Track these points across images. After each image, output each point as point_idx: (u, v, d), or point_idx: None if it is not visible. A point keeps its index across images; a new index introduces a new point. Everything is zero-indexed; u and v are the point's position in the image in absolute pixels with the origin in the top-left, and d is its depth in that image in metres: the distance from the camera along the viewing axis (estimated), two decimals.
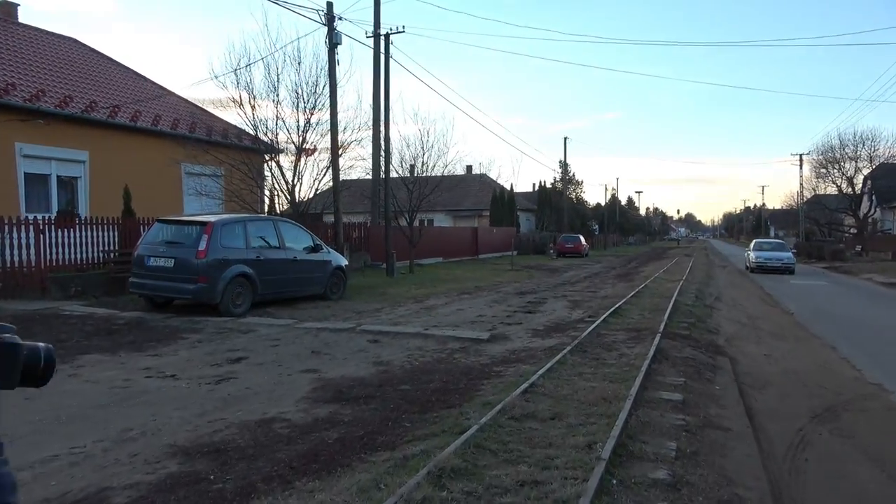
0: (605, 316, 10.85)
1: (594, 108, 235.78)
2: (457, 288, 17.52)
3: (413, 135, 21.04)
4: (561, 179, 65.10)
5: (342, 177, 21.38)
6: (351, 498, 3.42)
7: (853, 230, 52.10)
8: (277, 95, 15.44)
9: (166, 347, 8.21)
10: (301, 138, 15.80)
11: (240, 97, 15.26)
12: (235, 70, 15.44)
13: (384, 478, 3.69)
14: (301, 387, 6.24)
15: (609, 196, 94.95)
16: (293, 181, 15.59)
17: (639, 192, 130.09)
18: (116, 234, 15.13)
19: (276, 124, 15.64)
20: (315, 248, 12.83)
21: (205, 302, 10.61)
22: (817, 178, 54.68)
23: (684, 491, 3.76)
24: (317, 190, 16.19)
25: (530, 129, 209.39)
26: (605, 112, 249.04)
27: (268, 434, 4.77)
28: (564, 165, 65.32)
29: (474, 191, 56.46)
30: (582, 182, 72.21)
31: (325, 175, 16.37)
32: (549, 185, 64.57)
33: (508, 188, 52.44)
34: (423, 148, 22.38)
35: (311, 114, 15.95)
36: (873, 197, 50.69)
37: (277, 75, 15.36)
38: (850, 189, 51.27)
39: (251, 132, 15.70)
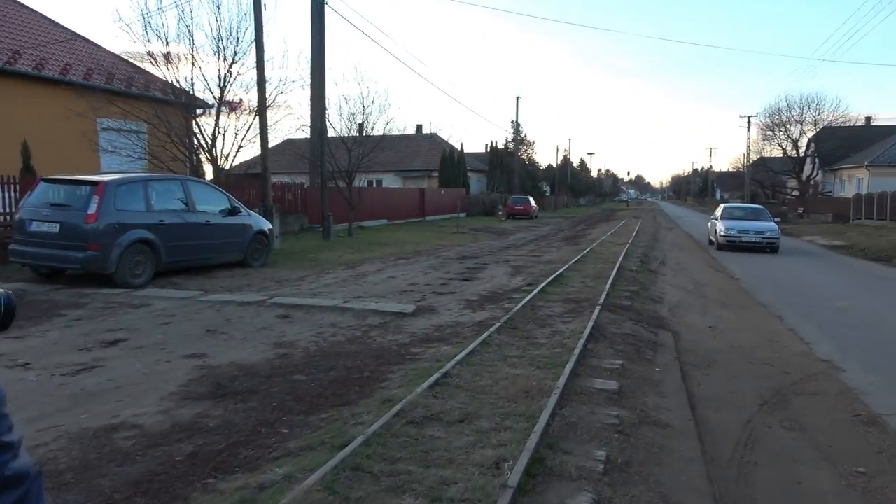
0: (544, 284, 10.11)
1: (548, 66, 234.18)
2: (395, 252, 16.58)
3: (354, 92, 19.81)
4: (513, 140, 64.21)
5: (279, 135, 20.02)
6: None
7: (796, 192, 53.19)
8: (193, 41, 13.87)
9: (36, 327, 7.06)
10: (221, 90, 14.32)
11: (150, 46, 13.60)
12: (144, 14, 13.75)
13: None
14: (176, 378, 5.25)
15: (561, 157, 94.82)
16: (212, 138, 14.16)
17: (591, 154, 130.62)
18: (16, 194, 13.55)
19: (192, 74, 14.08)
20: (232, 211, 11.64)
21: (97, 272, 9.38)
22: (764, 140, 55.42)
23: None
24: (240, 146, 14.81)
25: (484, 90, 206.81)
26: (559, 71, 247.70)
27: (103, 448, 3.79)
28: (516, 126, 64.47)
29: (424, 150, 55.14)
30: (534, 143, 71.73)
31: (249, 132, 14.97)
32: (500, 146, 63.67)
33: (458, 148, 51.35)
34: (363, 105, 21.06)
35: (233, 63, 14.45)
36: (816, 160, 51.64)
37: (191, 18, 13.74)
38: (794, 152, 52.09)
39: (171, 84, 14.12)
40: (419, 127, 61.76)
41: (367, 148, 20.99)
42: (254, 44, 14.91)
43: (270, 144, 16.23)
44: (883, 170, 40.52)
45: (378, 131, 21.89)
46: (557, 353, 5.67)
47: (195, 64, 13.91)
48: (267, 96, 15.57)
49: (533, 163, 73.96)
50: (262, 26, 15.09)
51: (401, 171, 52.98)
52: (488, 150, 63.50)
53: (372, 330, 7.08)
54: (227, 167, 15.09)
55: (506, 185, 57.36)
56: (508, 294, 9.72)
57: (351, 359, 5.81)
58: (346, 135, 21.67)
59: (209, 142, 14.02)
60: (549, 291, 9.49)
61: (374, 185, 50.03)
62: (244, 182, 20.03)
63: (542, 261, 15.13)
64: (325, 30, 20.66)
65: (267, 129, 15.73)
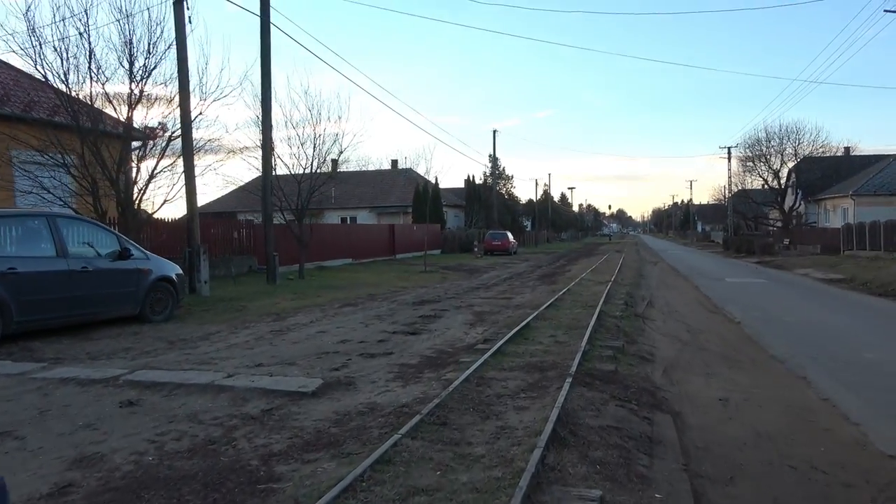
0: (506, 339, 7.99)
1: (527, 106, 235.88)
2: (344, 297, 14.41)
3: (306, 122, 17.94)
4: (490, 174, 62.70)
5: (237, 177, 17.92)
6: None
7: (779, 223, 51.97)
8: (91, 57, 11.75)
9: None
10: (130, 113, 12.21)
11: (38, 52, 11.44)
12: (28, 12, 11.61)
13: None
14: None
15: (541, 192, 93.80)
16: (116, 168, 11.96)
17: (571, 189, 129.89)
18: None
19: (92, 91, 11.93)
20: (122, 254, 9.43)
21: None
22: (744, 171, 54.39)
23: None
24: (151, 177, 12.63)
25: (463, 128, 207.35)
26: (537, 111, 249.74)
27: None
28: (494, 160, 63.03)
29: (399, 186, 53.42)
30: (512, 177, 70.13)
31: (162, 161, 12.81)
32: (479, 181, 62.15)
33: (434, 182, 49.62)
34: (313, 136, 19.04)
35: (144, 79, 12.38)
36: (798, 190, 50.58)
37: (87, 26, 11.65)
38: (775, 182, 51.03)
39: (67, 104, 11.97)
40: (394, 162, 60.19)
41: (318, 182, 18.92)
42: (172, 48, 12.90)
43: (242, 180, 14.15)
44: (868, 199, 39.31)
45: (342, 164, 19.76)
46: (496, 481, 3.50)
47: (95, 80, 11.80)
48: (194, 120, 13.50)
49: (512, 197, 72.43)
50: (185, 42, 13.13)
51: (375, 208, 51.09)
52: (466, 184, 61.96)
53: (243, 425, 4.89)
54: (142, 204, 12.89)
55: (484, 220, 55.63)
56: (458, 355, 7.57)
57: (166, 494, 3.60)
58: (305, 170, 19.58)
59: (112, 172, 11.83)
60: (508, 352, 7.35)
61: (349, 221, 48.19)
62: (205, 222, 17.95)
63: (512, 304, 13.03)
64: (270, 49, 18.79)
65: (192, 158, 13.64)
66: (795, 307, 13.75)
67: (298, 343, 8.55)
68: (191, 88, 13.48)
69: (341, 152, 18.96)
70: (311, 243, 24.07)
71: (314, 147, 18.69)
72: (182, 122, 13.33)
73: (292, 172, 18.56)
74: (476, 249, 37.22)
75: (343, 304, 13.26)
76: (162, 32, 12.72)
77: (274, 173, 18.38)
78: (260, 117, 16.70)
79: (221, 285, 15.74)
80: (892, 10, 18.84)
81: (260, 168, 18.57)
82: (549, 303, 12.29)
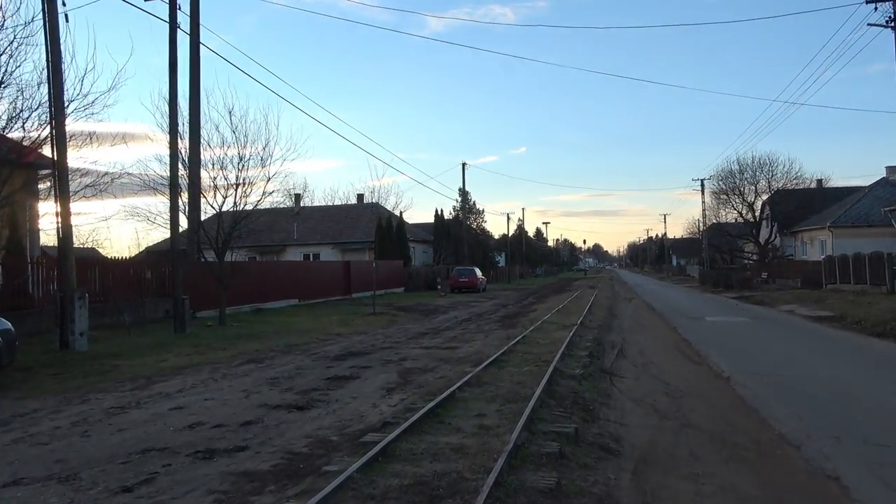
0: (412, 421, 5.62)
1: (504, 143, 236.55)
2: (254, 350, 11.95)
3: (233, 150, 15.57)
4: (461, 208, 60.77)
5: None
6: None
7: (755, 256, 50.61)
8: None
9: None
10: None
11: None
12: None
13: None
14: None
15: (515, 227, 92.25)
16: None
17: (546, 223, 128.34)
18: None
19: None
20: None
21: None
22: (718, 204, 53.21)
23: None
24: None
25: (442, 164, 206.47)
26: (514, 147, 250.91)
27: None
28: (464, 193, 61.31)
29: (365, 221, 51.10)
30: (483, 211, 68.17)
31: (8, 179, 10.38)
32: (450, 215, 60.19)
33: (398, 216, 47.43)
34: (239, 160, 16.70)
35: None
36: (773, 223, 49.38)
37: None
38: (750, 215, 49.83)
39: None
40: (360, 197, 57.94)
41: (239, 216, 16.52)
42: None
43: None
44: (846, 230, 38.04)
45: (257, 193, 17.41)
46: None
47: None
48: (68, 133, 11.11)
49: (484, 232, 70.45)
50: (57, 33, 10.85)
51: (339, 244, 48.69)
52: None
53: None
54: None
55: (454, 256, 53.40)
56: (334, 454, 5.18)
57: None
58: (227, 198, 17.18)
59: None
60: (400, 453, 4.94)
61: (311, 258, 45.59)
62: (155, 261, 15.45)
63: (454, 358, 10.67)
64: (200, 51, 16.65)
65: (68, 185, 11.22)
66: (792, 355, 11.58)
67: (126, 430, 6.08)
68: (66, 99, 11.14)
69: (269, 179, 16.57)
70: (251, 283, 21.63)
71: (237, 173, 16.33)
72: (54, 139, 10.94)
73: (210, 202, 16.16)
74: (440, 287, 34.86)
75: (247, 360, 10.80)
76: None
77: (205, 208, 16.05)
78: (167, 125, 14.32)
79: (114, 336, 13.16)
80: (877, 24, 17.35)
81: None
82: (496, 356, 9.94)
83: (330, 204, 63.10)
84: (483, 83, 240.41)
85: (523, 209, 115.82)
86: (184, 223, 16.35)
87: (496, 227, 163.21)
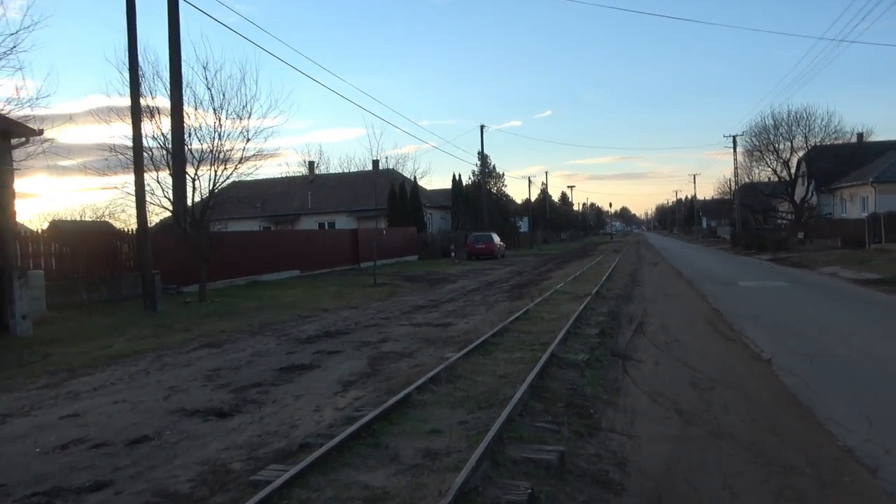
0: (337, 442, 4.11)
1: (528, 108, 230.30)
2: (221, 331, 10.58)
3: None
4: (480, 173, 58.65)
5: None
6: None
7: (790, 216, 47.90)
8: None
9: None
10: None
11: None
12: None
13: None
14: None
15: (539, 192, 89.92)
16: None
17: (571, 187, 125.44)
18: None
19: None
20: None
21: None
22: (751, 162, 50.36)
23: None
24: None
25: (461, 131, 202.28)
26: (538, 111, 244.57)
27: None
28: (483, 157, 59.03)
29: (380, 188, 49.49)
30: (503, 175, 65.91)
31: None
32: (468, 181, 58.26)
33: (413, 181, 45.72)
34: (218, 122, 15.12)
35: None
36: (809, 180, 46.49)
37: None
38: (785, 173, 46.98)
39: None
40: (375, 163, 56.27)
41: (222, 178, 15.04)
42: None
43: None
44: (891, 186, 35.32)
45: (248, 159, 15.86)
46: None
47: None
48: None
49: (504, 197, 68.36)
50: None
51: (354, 212, 47.28)
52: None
53: None
54: None
55: (473, 221, 51.60)
56: (224, 493, 3.71)
57: None
58: (203, 160, 15.68)
59: None
60: (302, 500, 3.42)
61: (326, 226, 44.27)
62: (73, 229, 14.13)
63: (441, 338, 9.13)
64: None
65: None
66: (843, 328, 9.78)
67: (9, 443, 4.70)
68: None
69: (248, 140, 14.96)
70: (248, 255, 20.33)
71: (216, 135, 14.79)
72: None
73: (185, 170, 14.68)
74: (453, 255, 33.25)
75: (204, 343, 9.40)
76: None
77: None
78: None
79: (75, 317, 11.91)
80: None
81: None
82: (486, 336, 8.35)
83: (346, 171, 61.69)
84: (504, 46, 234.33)
85: (546, 172, 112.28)
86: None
87: (520, 192, 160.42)
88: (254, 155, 15.01)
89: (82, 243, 14.59)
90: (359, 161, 65.12)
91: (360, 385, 6.46)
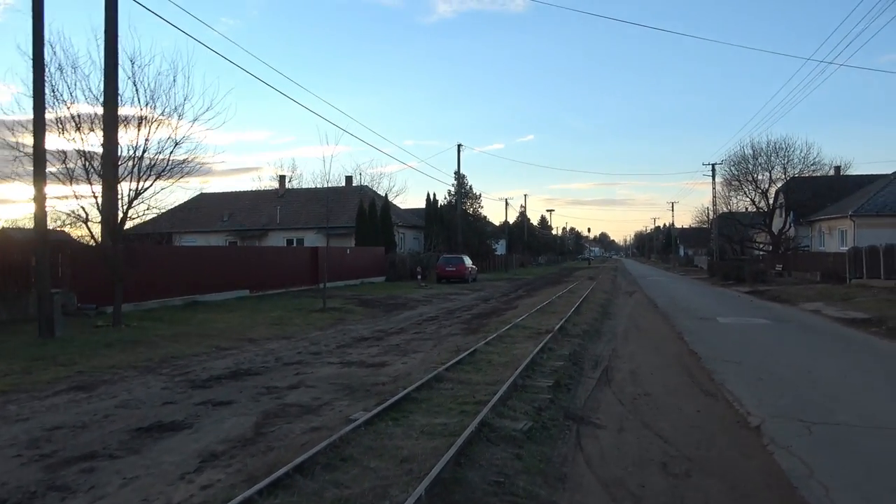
0: None
1: (510, 131, 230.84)
2: (111, 366, 8.85)
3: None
4: (456, 193, 57.26)
5: None
6: None
7: (768, 247, 47.20)
8: None
9: None
10: None
11: None
12: None
13: None
14: None
15: (517, 214, 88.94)
16: None
17: (550, 211, 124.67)
18: None
19: None
20: None
21: None
22: (729, 192, 49.66)
23: None
24: None
25: (442, 152, 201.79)
26: (521, 136, 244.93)
27: None
28: (459, 177, 57.67)
29: (352, 205, 47.92)
30: (480, 196, 64.60)
31: None
32: (443, 200, 56.82)
33: (383, 197, 44.17)
34: (148, 118, 13.46)
35: None
36: (786, 212, 45.88)
37: None
38: (763, 203, 46.38)
39: None
40: (348, 179, 54.70)
41: (148, 182, 13.29)
42: None
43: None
44: (870, 220, 34.62)
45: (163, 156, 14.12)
46: None
47: None
48: None
49: (480, 219, 67.03)
50: None
51: (323, 228, 45.58)
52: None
53: None
54: None
55: (446, 242, 50.08)
56: None
57: None
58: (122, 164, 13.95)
59: None
60: None
61: (294, 243, 42.38)
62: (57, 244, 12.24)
63: (365, 386, 7.51)
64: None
65: None
66: (838, 382, 8.34)
67: None
68: None
69: (177, 143, 13.27)
70: (185, 271, 18.56)
71: (139, 134, 13.10)
72: None
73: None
74: (419, 277, 31.65)
75: (75, 385, 7.67)
76: None
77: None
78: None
79: None
80: None
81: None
82: (416, 386, 6.75)
83: (318, 187, 59.96)
84: (489, 70, 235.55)
85: (525, 195, 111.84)
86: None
87: (499, 215, 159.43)
88: (184, 161, 13.30)
89: None
90: (335, 177, 63.39)
91: (225, 461, 4.83)
